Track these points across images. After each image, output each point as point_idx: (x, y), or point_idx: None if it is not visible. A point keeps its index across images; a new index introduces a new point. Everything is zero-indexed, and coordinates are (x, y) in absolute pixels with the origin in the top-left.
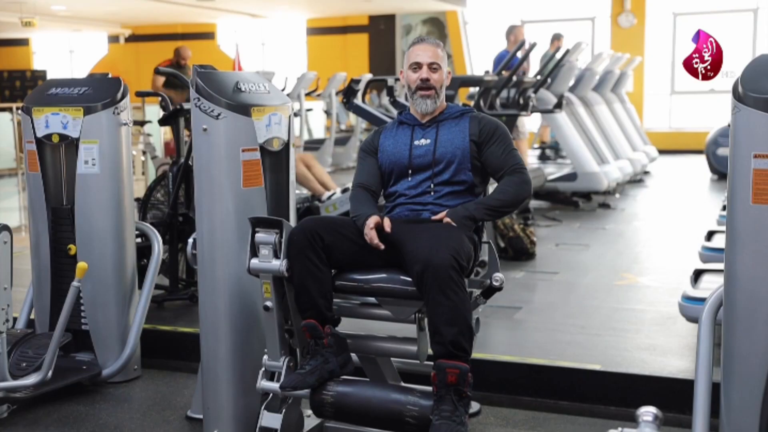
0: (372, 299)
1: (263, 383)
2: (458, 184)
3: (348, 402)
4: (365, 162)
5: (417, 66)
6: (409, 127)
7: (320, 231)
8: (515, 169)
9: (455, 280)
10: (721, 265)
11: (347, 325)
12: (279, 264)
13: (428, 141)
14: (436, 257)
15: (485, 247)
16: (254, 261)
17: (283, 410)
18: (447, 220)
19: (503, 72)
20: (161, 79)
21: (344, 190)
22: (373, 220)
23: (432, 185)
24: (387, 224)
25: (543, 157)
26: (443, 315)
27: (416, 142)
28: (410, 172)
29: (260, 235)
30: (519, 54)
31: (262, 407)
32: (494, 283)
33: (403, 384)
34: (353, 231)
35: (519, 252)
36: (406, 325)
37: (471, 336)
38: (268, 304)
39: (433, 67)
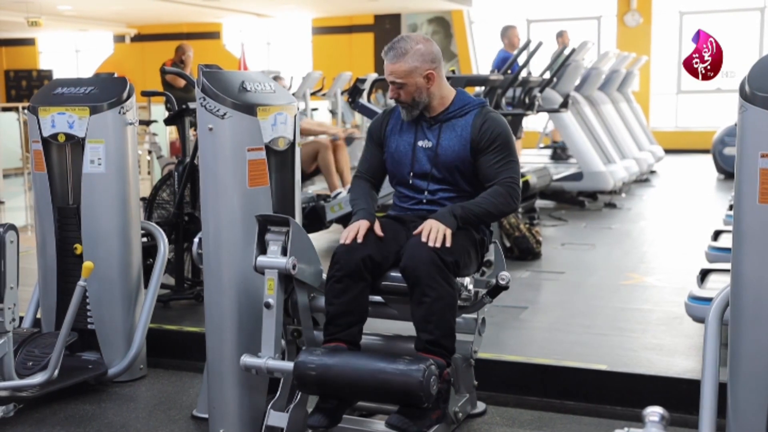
0: (378, 298)
1: (246, 359)
2: (455, 190)
3: (332, 374)
4: (369, 150)
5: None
6: (413, 124)
7: (372, 253)
8: (505, 182)
9: (433, 278)
10: (727, 265)
11: None
12: (286, 261)
13: (430, 144)
14: (417, 256)
15: (491, 247)
16: (261, 258)
17: (290, 409)
18: (433, 233)
19: (507, 72)
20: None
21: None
22: (364, 226)
23: (428, 189)
24: (377, 229)
25: (555, 157)
26: (419, 312)
27: (420, 143)
28: (411, 175)
29: (271, 235)
30: (523, 54)
31: (269, 406)
32: (500, 282)
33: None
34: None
35: (525, 252)
36: (410, 324)
37: (449, 333)
38: (270, 301)
39: (397, 84)
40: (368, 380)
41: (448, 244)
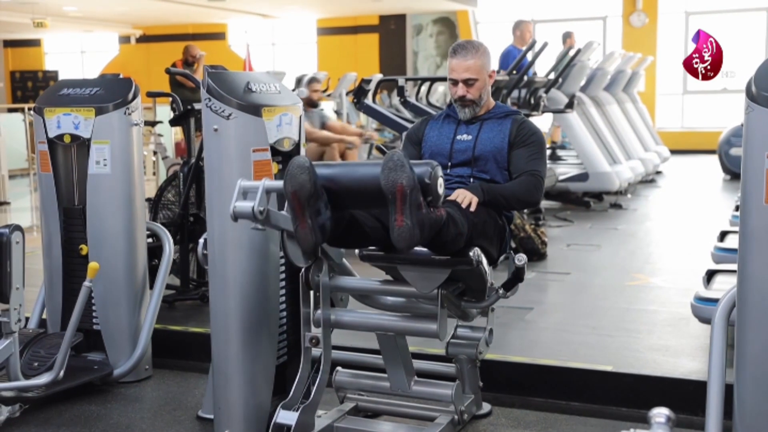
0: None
1: (239, 204)
2: (493, 182)
3: (332, 179)
4: (407, 149)
5: (453, 81)
6: (454, 122)
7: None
8: (533, 173)
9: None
10: (734, 266)
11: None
12: None
13: (470, 137)
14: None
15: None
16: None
17: (299, 409)
18: (461, 196)
19: (514, 72)
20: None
21: None
22: None
23: (462, 175)
24: None
25: (553, 158)
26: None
27: (459, 137)
28: (450, 164)
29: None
30: (529, 54)
31: (279, 405)
32: (517, 263)
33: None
34: None
35: (530, 252)
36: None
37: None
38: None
39: (469, 82)
40: (370, 180)
41: (472, 209)
